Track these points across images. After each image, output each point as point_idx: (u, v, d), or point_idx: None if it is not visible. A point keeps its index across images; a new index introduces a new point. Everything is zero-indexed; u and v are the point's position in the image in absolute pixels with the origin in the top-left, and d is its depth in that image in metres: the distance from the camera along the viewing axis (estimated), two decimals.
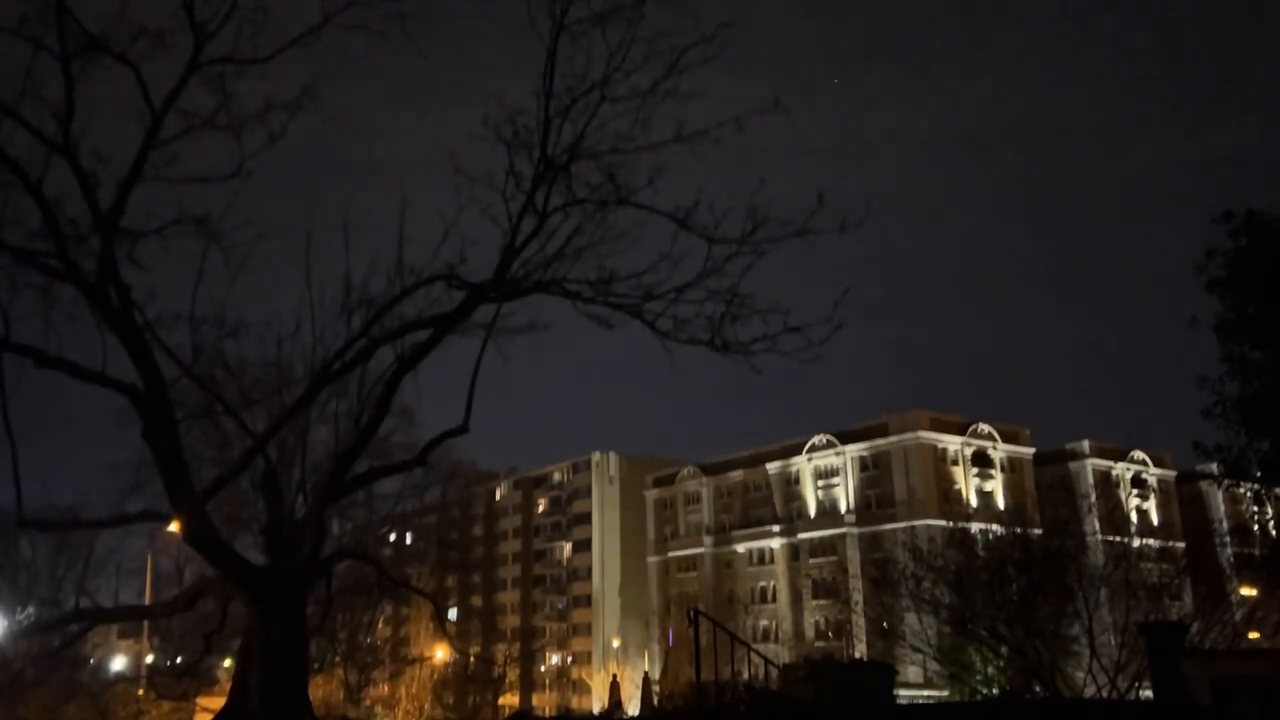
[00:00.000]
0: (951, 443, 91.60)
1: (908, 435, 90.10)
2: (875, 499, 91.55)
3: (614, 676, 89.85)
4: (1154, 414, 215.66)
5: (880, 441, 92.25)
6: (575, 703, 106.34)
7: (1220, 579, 28.53)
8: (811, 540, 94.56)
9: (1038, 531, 30.41)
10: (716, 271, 11.19)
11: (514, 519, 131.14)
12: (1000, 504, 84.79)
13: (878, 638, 34.32)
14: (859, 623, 38.82)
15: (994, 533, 29.08)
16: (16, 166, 10.45)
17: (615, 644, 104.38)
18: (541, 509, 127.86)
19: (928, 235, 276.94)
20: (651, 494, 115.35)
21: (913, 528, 61.35)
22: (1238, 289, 11.54)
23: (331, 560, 22.55)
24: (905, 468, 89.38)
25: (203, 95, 11.66)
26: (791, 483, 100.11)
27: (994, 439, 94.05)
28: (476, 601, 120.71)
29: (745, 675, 18.05)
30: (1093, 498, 30.70)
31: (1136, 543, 28.87)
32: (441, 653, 56.96)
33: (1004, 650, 24.02)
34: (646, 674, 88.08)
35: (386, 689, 59.66)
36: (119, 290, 10.84)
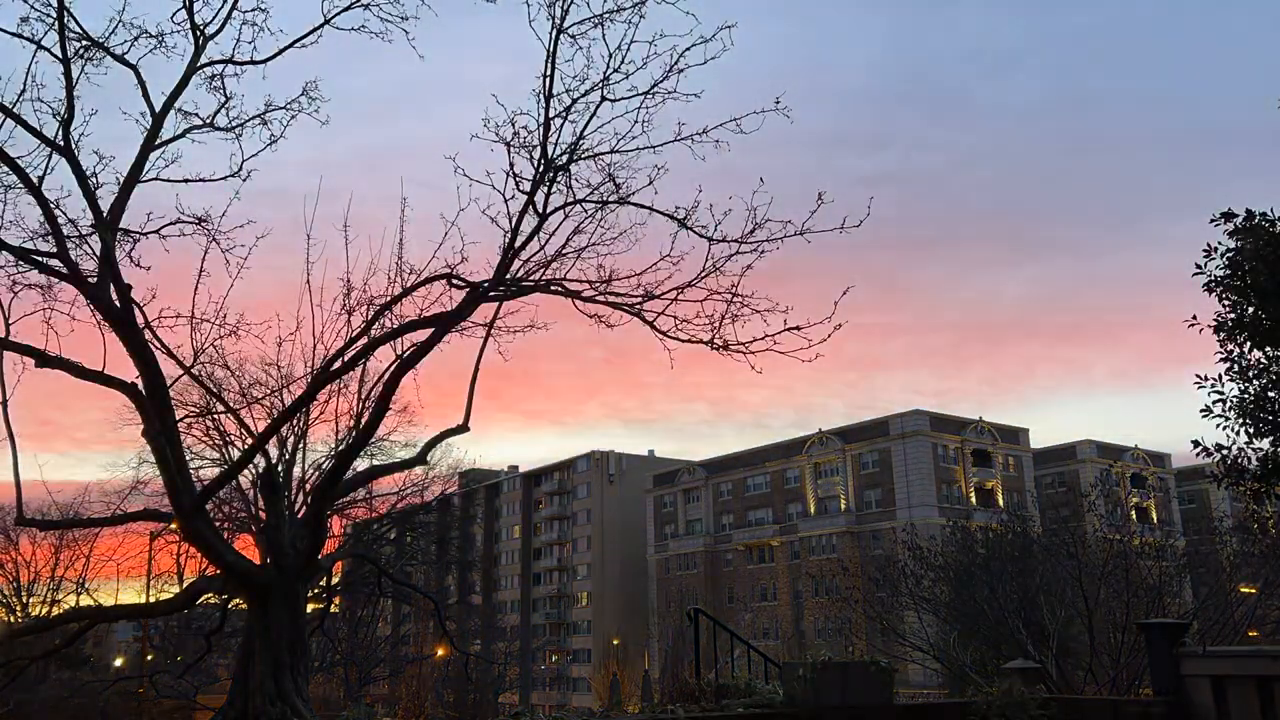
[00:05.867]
0: (951, 441, 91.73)
1: (908, 434, 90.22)
2: (875, 497, 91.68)
3: (613, 675, 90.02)
4: (1154, 413, 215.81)
5: (880, 440, 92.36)
6: (574, 701, 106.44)
7: (1220, 577, 28.51)
8: (811, 538, 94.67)
9: (1038, 530, 30.44)
10: (716, 271, 11.17)
11: (514, 517, 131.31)
12: (1000, 502, 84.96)
13: (877, 636, 34.37)
14: (858, 621, 38.88)
15: (994, 531, 29.10)
16: (17, 167, 10.47)
17: (614, 642, 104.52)
18: (541, 507, 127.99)
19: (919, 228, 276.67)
20: (651, 492, 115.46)
21: (913, 526, 61.38)
22: (1237, 289, 11.53)
23: (331, 559, 22.60)
24: (905, 466, 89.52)
25: (203, 95, 11.70)
26: (791, 481, 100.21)
27: (994, 437, 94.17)
28: (476, 599, 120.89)
29: (745, 674, 18.08)
30: (1092, 496, 30.63)
31: (1137, 541, 28.83)
32: (441, 651, 57.05)
33: (1004, 648, 24.04)
34: (646, 672, 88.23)
35: (387, 688, 59.74)
36: (119, 290, 10.83)
